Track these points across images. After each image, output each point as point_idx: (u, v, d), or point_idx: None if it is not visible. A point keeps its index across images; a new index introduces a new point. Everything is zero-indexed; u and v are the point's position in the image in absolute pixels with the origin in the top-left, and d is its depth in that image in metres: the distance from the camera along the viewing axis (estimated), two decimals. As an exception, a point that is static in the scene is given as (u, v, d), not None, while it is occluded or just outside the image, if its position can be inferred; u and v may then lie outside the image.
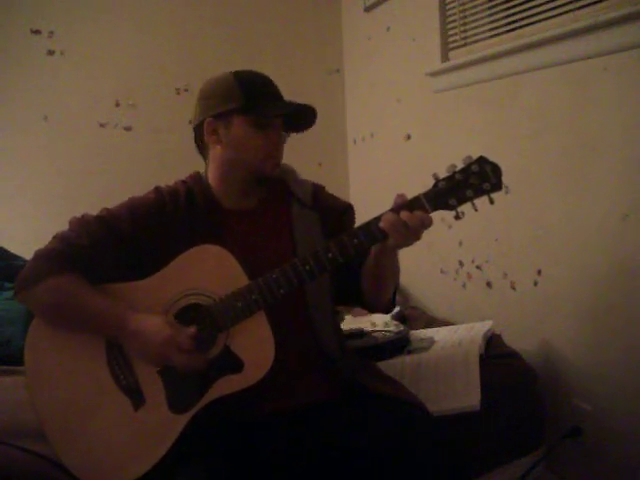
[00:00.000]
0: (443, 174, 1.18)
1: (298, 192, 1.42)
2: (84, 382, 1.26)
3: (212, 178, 1.38)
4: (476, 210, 1.18)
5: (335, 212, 1.44)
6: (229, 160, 1.34)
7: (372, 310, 1.47)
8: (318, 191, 1.47)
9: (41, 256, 1.27)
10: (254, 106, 1.30)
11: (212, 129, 1.33)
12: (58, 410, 1.26)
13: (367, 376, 1.37)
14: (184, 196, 1.35)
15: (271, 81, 1.37)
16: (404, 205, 1.18)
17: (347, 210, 1.48)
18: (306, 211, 1.40)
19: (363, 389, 1.31)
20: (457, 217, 1.18)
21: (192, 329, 1.21)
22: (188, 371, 1.21)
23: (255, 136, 1.31)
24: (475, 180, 1.16)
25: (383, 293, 1.39)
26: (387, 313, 1.49)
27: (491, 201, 1.17)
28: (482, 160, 1.16)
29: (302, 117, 1.36)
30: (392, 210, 1.18)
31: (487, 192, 1.16)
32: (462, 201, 1.17)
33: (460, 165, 1.17)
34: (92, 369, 1.26)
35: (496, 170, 1.16)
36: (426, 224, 1.17)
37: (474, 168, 1.16)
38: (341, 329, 1.50)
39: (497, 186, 1.16)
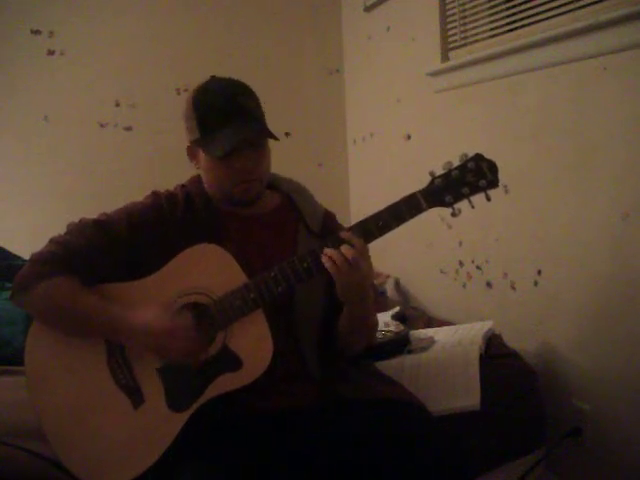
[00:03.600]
0: (440, 171, 1.18)
1: (307, 216, 1.41)
2: (84, 382, 1.26)
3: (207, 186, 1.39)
4: (472, 207, 1.18)
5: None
6: (207, 183, 1.36)
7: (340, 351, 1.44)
8: (328, 219, 1.45)
9: (36, 260, 1.27)
10: (207, 140, 1.27)
11: (191, 154, 1.35)
12: (58, 410, 1.26)
13: (361, 382, 1.36)
14: (182, 200, 1.35)
15: (230, 98, 1.27)
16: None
17: None
18: (312, 238, 1.39)
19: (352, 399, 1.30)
20: (453, 214, 1.18)
21: (189, 319, 1.21)
22: (189, 358, 1.21)
23: (216, 167, 1.29)
24: (471, 177, 1.16)
25: (351, 345, 1.38)
26: (352, 361, 1.45)
27: (488, 198, 1.17)
28: (478, 157, 1.16)
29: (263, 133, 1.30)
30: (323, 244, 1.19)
31: (483, 189, 1.17)
32: (458, 198, 1.17)
33: (456, 162, 1.17)
34: (92, 369, 1.26)
35: (492, 167, 1.16)
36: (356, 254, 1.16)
37: (470, 165, 1.16)
38: (333, 348, 1.44)
39: (493, 183, 1.16)
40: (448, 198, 1.17)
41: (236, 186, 1.30)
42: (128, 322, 1.22)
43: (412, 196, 1.18)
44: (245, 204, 1.35)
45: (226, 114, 1.27)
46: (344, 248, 1.17)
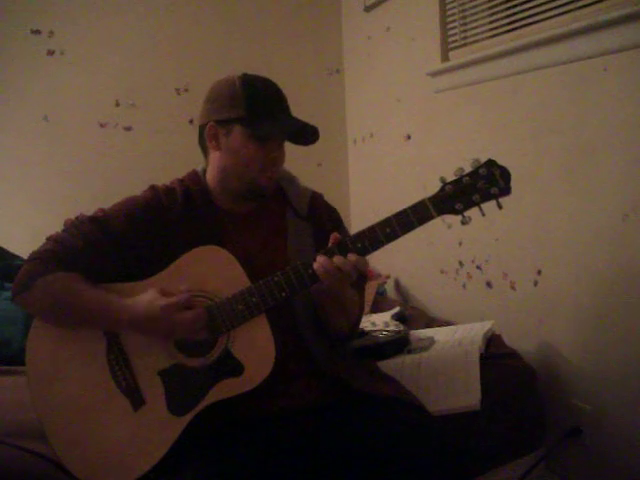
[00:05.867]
0: (450, 177, 1.15)
1: (295, 201, 1.41)
2: (84, 383, 1.26)
3: (210, 179, 1.38)
4: (483, 215, 1.15)
5: (328, 224, 1.41)
6: (225, 167, 1.34)
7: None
8: (315, 201, 1.45)
9: (34, 258, 1.27)
10: (254, 120, 1.29)
11: (213, 134, 1.33)
12: (58, 411, 1.26)
13: (365, 378, 1.36)
14: (181, 195, 1.35)
15: (278, 91, 1.35)
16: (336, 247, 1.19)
17: (340, 224, 1.47)
18: (301, 222, 1.39)
19: (360, 392, 1.30)
20: (464, 222, 1.16)
21: (186, 295, 1.21)
22: (195, 331, 1.20)
23: (252, 148, 1.30)
24: (483, 184, 1.14)
25: (330, 326, 1.36)
26: (339, 341, 1.42)
27: (499, 206, 1.15)
28: (491, 163, 1.14)
29: (304, 133, 1.34)
30: (325, 253, 1.18)
31: (495, 196, 1.14)
32: (469, 205, 1.15)
33: (468, 168, 1.15)
34: (92, 370, 1.26)
35: (505, 174, 1.14)
36: (360, 267, 1.18)
37: (482, 172, 1.14)
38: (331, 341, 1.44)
39: (506, 190, 1.14)
40: (458, 205, 1.15)
41: (263, 172, 1.32)
42: (128, 309, 1.21)
43: (421, 203, 1.16)
44: (262, 194, 1.35)
45: (277, 103, 1.33)
46: (342, 262, 1.17)
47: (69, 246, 1.27)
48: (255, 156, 1.31)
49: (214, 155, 1.36)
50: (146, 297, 1.21)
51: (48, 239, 1.30)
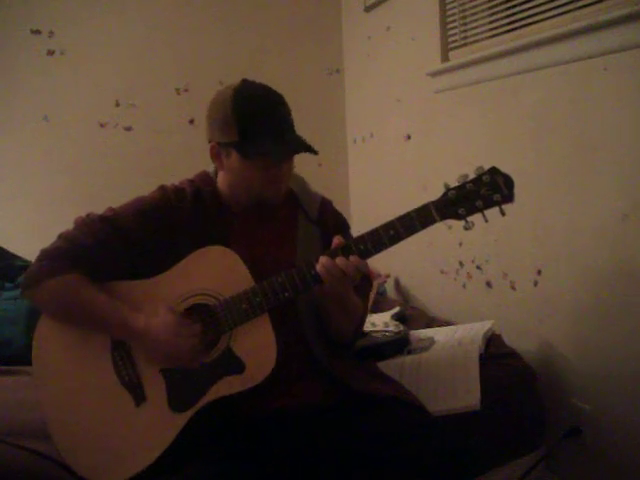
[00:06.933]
0: (453, 181, 1.17)
1: (306, 205, 1.42)
2: (88, 378, 1.27)
3: (221, 185, 1.39)
4: (486, 221, 1.17)
5: (335, 230, 1.40)
6: (231, 185, 1.36)
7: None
8: (325, 207, 1.46)
9: (46, 255, 1.28)
10: (247, 144, 1.27)
11: (215, 154, 1.34)
12: (63, 406, 1.27)
13: (365, 378, 1.36)
14: (191, 195, 1.36)
15: (272, 105, 1.30)
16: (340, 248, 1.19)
17: (346, 230, 1.48)
18: (311, 225, 1.40)
19: (361, 393, 1.30)
20: (466, 227, 1.17)
21: (197, 326, 1.22)
22: (191, 365, 1.22)
23: (251, 170, 1.30)
24: (486, 191, 1.15)
25: (333, 328, 1.35)
26: (342, 345, 1.42)
27: (502, 213, 1.16)
28: (494, 171, 1.16)
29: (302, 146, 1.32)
30: (328, 254, 1.19)
31: (498, 203, 1.16)
32: (472, 211, 1.17)
33: (472, 175, 1.16)
34: (96, 365, 1.27)
35: (508, 181, 1.15)
36: (361, 269, 1.19)
37: (485, 178, 1.15)
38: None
39: (508, 198, 1.15)
40: (461, 211, 1.16)
41: (267, 189, 1.32)
42: (135, 326, 1.23)
43: (425, 207, 1.18)
44: (272, 205, 1.36)
45: (270, 124, 1.28)
46: (344, 264, 1.17)
47: (79, 244, 1.28)
48: (254, 177, 1.30)
49: (221, 171, 1.37)
50: (155, 320, 1.22)
51: (59, 236, 1.31)
